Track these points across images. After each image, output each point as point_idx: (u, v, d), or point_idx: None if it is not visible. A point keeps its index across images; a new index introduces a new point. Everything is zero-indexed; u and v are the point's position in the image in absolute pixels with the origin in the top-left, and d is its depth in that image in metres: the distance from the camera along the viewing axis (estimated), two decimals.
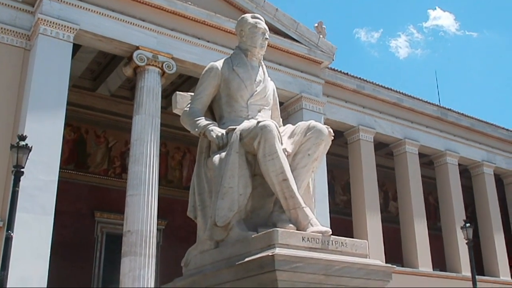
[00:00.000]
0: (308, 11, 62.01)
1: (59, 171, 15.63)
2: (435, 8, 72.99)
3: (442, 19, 67.29)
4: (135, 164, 16.74)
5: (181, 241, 20.77)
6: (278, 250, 4.24)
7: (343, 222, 23.19)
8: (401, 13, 64.54)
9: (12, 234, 12.28)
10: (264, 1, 20.88)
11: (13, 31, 16.72)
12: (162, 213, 18.36)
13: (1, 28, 16.51)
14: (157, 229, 17.05)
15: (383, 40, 64.38)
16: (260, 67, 5.95)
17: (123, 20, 17.75)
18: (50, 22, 16.39)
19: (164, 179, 22.28)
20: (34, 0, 17.09)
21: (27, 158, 12.79)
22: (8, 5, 16.82)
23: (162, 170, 21.42)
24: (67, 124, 17.72)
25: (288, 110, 21.63)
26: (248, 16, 5.99)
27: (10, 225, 12.35)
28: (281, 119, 6.22)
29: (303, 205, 4.86)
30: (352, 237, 20.24)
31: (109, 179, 22.17)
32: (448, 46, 66.78)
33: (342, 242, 4.71)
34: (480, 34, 65.51)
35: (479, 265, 25.18)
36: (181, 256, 5.55)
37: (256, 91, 5.71)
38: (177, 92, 6.01)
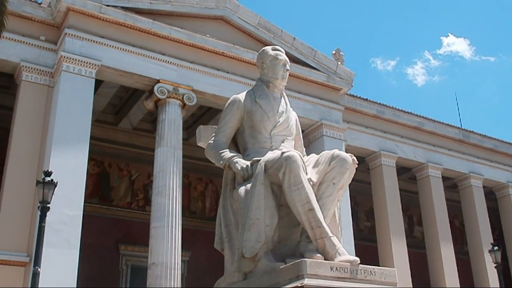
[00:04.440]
0: (323, 42, 62.40)
1: (84, 205, 15.78)
2: (448, 35, 72.70)
3: (456, 45, 66.92)
4: (158, 196, 16.84)
5: (206, 272, 20.71)
6: (307, 281, 4.25)
7: (368, 248, 22.94)
8: (415, 41, 64.40)
9: (39, 269, 12.37)
10: (282, 30, 21.09)
11: (37, 69, 17.09)
12: (186, 244, 18.36)
13: (26, 67, 16.89)
14: (182, 261, 17.05)
15: (400, 68, 64.30)
16: (282, 98, 6.03)
17: (143, 55, 18.06)
18: (73, 59, 16.73)
19: (187, 210, 22.32)
20: (56, 39, 17.51)
21: (52, 194, 12.95)
22: (32, 44, 17.25)
23: (185, 201, 21.50)
24: (90, 158, 17.92)
25: (309, 137, 21.61)
26: (268, 48, 6.07)
27: (37, 261, 12.46)
28: (304, 149, 6.25)
29: (330, 234, 4.86)
30: (378, 264, 19.90)
31: (132, 211, 22.28)
32: (466, 72, 66.45)
33: (371, 271, 4.69)
34: (497, 59, 65.13)
35: None
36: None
37: (279, 122, 5.77)
38: (201, 126, 6.09)
